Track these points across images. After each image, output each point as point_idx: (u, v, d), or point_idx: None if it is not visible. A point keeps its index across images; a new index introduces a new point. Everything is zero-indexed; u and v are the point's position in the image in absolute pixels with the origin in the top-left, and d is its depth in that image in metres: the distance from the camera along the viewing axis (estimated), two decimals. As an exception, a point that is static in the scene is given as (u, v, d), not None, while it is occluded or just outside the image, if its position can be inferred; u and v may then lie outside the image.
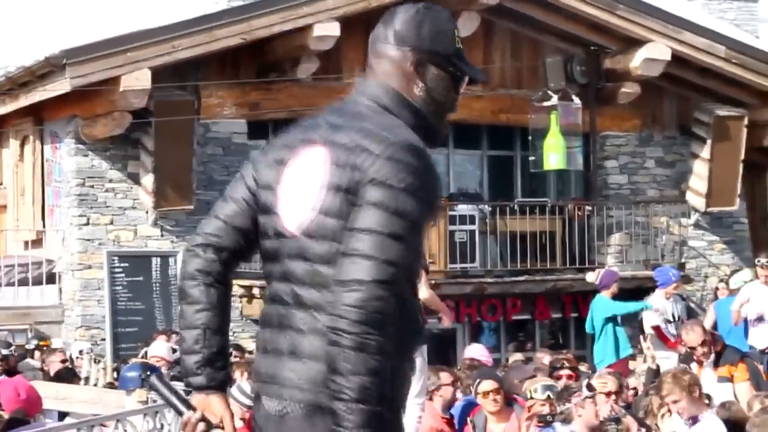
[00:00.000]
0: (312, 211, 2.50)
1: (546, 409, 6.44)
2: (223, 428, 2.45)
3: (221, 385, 2.52)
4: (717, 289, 13.37)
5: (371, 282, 2.21)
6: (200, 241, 2.64)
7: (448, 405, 7.85)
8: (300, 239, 2.53)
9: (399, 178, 2.29)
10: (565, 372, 8.94)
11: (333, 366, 2.21)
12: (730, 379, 7.75)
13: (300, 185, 2.61)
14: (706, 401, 6.80)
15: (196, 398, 2.46)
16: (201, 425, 2.39)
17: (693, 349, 8.34)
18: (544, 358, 10.63)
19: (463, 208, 15.57)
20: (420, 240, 2.34)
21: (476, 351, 10.26)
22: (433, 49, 2.63)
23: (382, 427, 2.28)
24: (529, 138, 16.33)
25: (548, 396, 6.72)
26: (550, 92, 15.79)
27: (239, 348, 11.14)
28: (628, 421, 6.35)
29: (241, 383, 7.60)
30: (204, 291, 2.54)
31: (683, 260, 16.10)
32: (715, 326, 10.38)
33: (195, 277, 2.57)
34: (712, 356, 8.18)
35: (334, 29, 12.49)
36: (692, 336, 8.42)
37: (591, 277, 12.44)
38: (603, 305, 11.67)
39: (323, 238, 2.49)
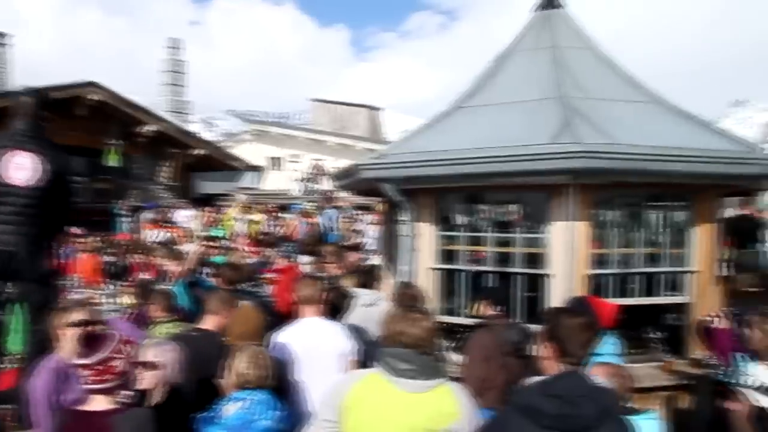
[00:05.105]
0: (38, 178, 4.19)
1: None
2: None
3: None
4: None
5: None
6: None
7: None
8: (27, 188, 4.09)
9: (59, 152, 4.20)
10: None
11: None
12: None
13: (19, 166, 4.10)
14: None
15: None
16: None
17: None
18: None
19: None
20: None
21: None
22: (39, 106, 4.56)
23: None
24: (104, 151, 19.82)
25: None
26: (113, 140, 20.13)
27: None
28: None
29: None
30: None
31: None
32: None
33: None
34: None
35: None
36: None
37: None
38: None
39: (38, 188, 4.19)
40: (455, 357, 5.51)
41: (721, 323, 5.41)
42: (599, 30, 7.10)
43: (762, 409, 2.81)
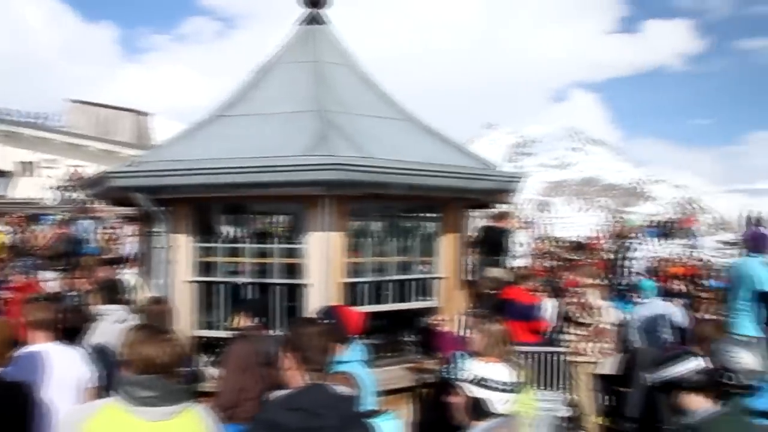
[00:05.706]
0: None
1: None
2: None
3: None
4: None
5: None
6: None
7: None
8: None
9: None
10: None
11: None
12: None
13: None
14: None
15: None
16: None
17: None
18: None
19: None
20: None
21: None
22: None
23: None
24: None
25: None
26: None
27: None
28: None
29: None
30: None
31: None
32: None
33: None
34: None
35: None
36: None
37: None
38: None
39: None
40: (214, 371, 5.36)
41: (445, 326, 6.04)
42: (365, 53, 7.41)
43: (476, 399, 3.11)
